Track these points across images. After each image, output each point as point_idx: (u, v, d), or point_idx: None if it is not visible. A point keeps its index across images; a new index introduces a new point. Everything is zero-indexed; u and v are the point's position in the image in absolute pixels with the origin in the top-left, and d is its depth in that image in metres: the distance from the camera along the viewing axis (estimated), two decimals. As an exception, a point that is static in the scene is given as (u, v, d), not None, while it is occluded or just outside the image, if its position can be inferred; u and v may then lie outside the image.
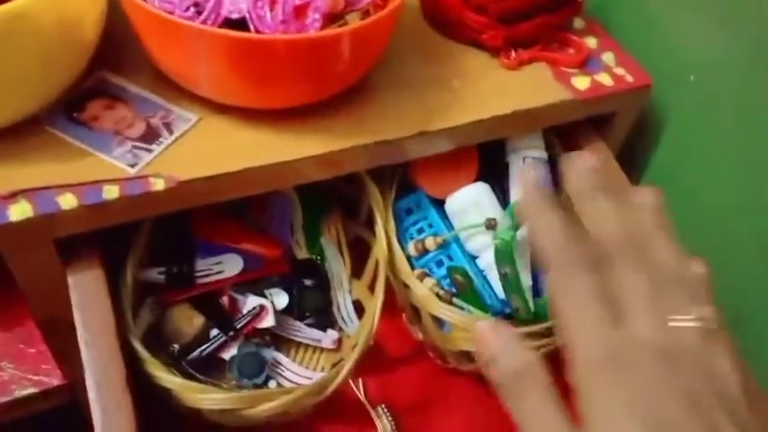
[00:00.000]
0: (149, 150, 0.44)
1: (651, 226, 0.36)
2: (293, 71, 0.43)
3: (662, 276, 0.33)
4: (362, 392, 0.60)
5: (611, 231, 0.34)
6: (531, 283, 0.53)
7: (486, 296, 0.54)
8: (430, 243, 0.55)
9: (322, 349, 0.59)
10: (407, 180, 0.57)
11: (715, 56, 0.54)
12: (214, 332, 0.54)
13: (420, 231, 0.57)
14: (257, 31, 0.42)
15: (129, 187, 0.42)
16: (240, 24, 0.42)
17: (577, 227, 0.35)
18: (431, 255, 0.56)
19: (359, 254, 0.60)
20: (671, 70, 0.57)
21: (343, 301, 0.59)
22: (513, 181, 0.57)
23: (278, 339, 0.58)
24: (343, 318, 0.59)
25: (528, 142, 0.57)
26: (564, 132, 0.58)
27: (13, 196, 0.40)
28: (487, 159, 0.57)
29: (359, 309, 0.59)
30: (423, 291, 0.53)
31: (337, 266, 0.60)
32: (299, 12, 0.42)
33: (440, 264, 0.56)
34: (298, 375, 0.56)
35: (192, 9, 0.42)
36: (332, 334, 0.58)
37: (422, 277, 0.54)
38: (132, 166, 0.43)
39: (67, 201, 0.40)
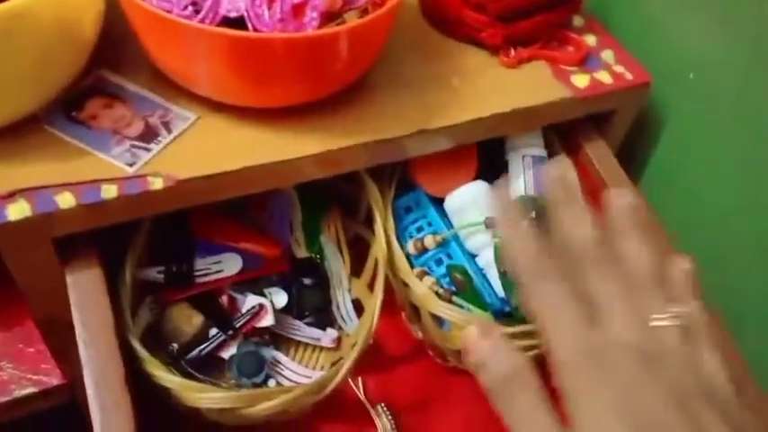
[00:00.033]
0: (148, 149, 0.44)
1: (626, 227, 0.36)
2: (291, 70, 0.43)
3: (636, 277, 0.34)
4: (362, 391, 0.60)
5: (584, 236, 0.34)
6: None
7: (486, 295, 0.54)
8: (429, 241, 0.55)
9: (321, 348, 0.59)
10: (407, 178, 0.57)
11: (714, 54, 0.54)
12: (213, 331, 0.54)
13: (419, 230, 0.57)
14: (255, 30, 0.42)
15: (128, 186, 0.41)
16: (238, 23, 0.42)
17: (550, 238, 0.36)
18: (430, 253, 0.56)
19: (358, 252, 0.60)
20: (670, 68, 0.57)
21: (342, 300, 0.59)
22: (512, 179, 0.57)
23: (277, 338, 0.58)
24: (342, 316, 0.59)
25: (527, 140, 0.57)
26: (563, 130, 0.58)
27: (12, 195, 0.40)
28: (487, 158, 0.57)
29: (358, 307, 0.59)
30: (422, 289, 0.53)
31: (337, 265, 0.60)
32: (297, 10, 0.42)
33: (439, 262, 0.56)
34: (297, 374, 0.56)
35: (190, 8, 0.42)
36: (331, 333, 0.58)
37: (421, 276, 0.54)
38: (131, 165, 0.43)
39: (66, 200, 0.40)
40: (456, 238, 0.56)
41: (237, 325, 0.54)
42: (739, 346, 0.44)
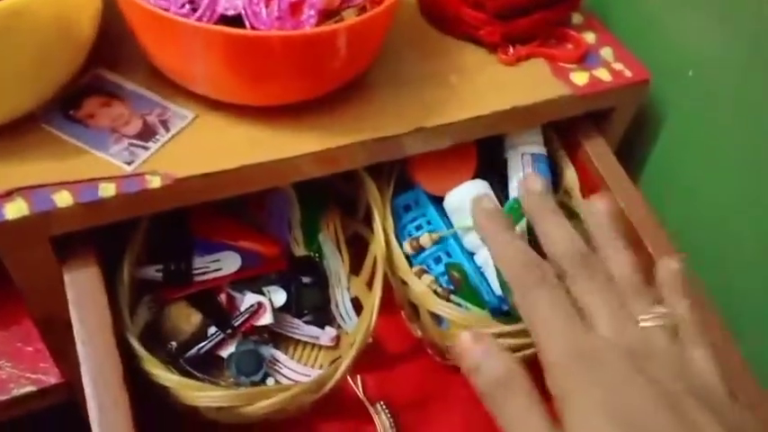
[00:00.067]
0: (146, 148, 0.44)
1: (602, 236, 0.37)
2: (289, 68, 0.43)
3: (623, 280, 0.35)
4: (361, 389, 0.60)
5: (565, 248, 0.35)
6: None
7: (484, 293, 0.54)
8: (425, 240, 0.55)
9: (320, 346, 0.59)
10: (405, 177, 0.57)
11: (714, 51, 0.54)
12: (212, 330, 0.54)
13: (418, 228, 0.57)
14: (253, 28, 0.42)
15: (126, 185, 0.41)
16: (236, 21, 0.42)
17: (536, 246, 0.37)
18: (428, 251, 0.56)
19: (357, 251, 0.60)
20: (670, 65, 0.57)
21: (341, 299, 0.59)
22: (512, 177, 0.57)
23: (276, 337, 0.58)
24: (341, 315, 0.59)
25: (526, 138, 0.57)
26: (562, 128, 0.58)
27: (9, 194, 0.40)
28: (486, 155, 0.57)
29: (357, 306, 0.59)
30: (420, 287, 0.53)
31: (335, 264, 0.60)
32: (295, 8, 0.42)
33: (438, 260, 0.56)
34: (296, 373, 0.56)
35: (188, 6, 0.42)
36: (330, 331, 0.58)
37: (420, 274, 0.54)
38: (129, 163, 0.43)
39: (63, 199, 0.40)
40: (455, 236, 0.56)
41: (236, 323, 0.54)
42: (739, 346, 0.44)
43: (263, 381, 0.54)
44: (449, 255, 0.56)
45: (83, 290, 0.43)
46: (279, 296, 0.57)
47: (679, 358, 0.31)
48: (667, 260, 0.37)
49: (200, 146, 0.44)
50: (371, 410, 0.59)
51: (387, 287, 0.53)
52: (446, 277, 0.55)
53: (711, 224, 0.57)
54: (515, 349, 0.48)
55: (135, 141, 0.44)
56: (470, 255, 0.55)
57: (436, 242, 0.55)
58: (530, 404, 0.30)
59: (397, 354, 0.62)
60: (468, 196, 0.55)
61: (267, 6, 0.41)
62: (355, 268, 0.60)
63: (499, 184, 0.58)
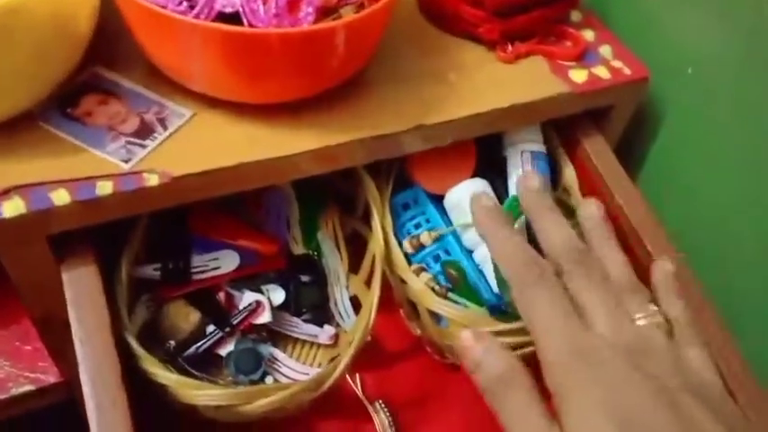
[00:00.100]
0: (143, 146, 0.43)
1: (598, 237, 0.38)
2: (287, 65, 0.43)
3: (619, 280, 0.35)
4: (360, 388, 0.60)
5: (563, 245, 0.36)
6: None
7: (483, 290, 0.54)
8: (425, 238, 0.55)
9: (319, 345, 0.59)
10: (404, 175, 0.57)
11: (713, 49, 0.54)
12: (210, 328, 0.53)
13: (417, 227, 0.57)
14: (250, 25, 0.41)
15: (123, 183, 0.41)
16: (233, 18, 0.41)
17: (534, 243, 0.37)
18: (428, 250, 0.56)
19: (356, 249, 0.60)
20: (669, 63, 0.57)
21: (340, 297, 0.59)
22: (511, 174, 0.57)
23: (275, 335, 0.58)
24: (340, 313, 0.59)
25: (526, 136, 0.57)
26: (562, 126, 0.58)
27: (6, 192, 0.40)
28: (485, 153, 0.57)
29: (356, 304, 0.59)
30: (419, 285, 0.52)
31: (334, 262, 0.60)
32: (293, 5, 0.42)
33: (437, 259, 0.56)
34: (295, 371, 0.56)
35: (185, 3, 0.41)
36: (329, 329, 0.58)
37: (418, 272, 0.54)
38: (126, 161, 0.42)
39: (61, 197, 0.40)
40: (454, 234, 0.56)
41: (235, 322, 0.54)
42: (739, 346, 0.44)
43: (261, 379, 0.54)
44: (448, 253, 0.56)
45: (81, 289, 0.43)
46: (277, 294, 0.56)
47: (675, 355, 0.31)
48: (662, 262, 0.37)
49: (197, 144, 0.44)
50: (370, 409, 0.59)
51: (386, 285, 0.53)
52: (444, 275, 0.55)
53: (711, 222, 0.57)
54: (514, 347, 0.48)
55: (132, 139, 0.44)
56: (469, 253, 0.55)
57: (436, 240, 0.55)
58: (530, 400, 0.30)
59: (396, 352, 0.62)
60: (468, 194, 0.55)
61: (265, 3, 0.41)
62: (354, 266, 0.60)
63: (499, 182, 0.57)
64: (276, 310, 0.56)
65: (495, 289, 0.53)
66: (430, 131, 0.49)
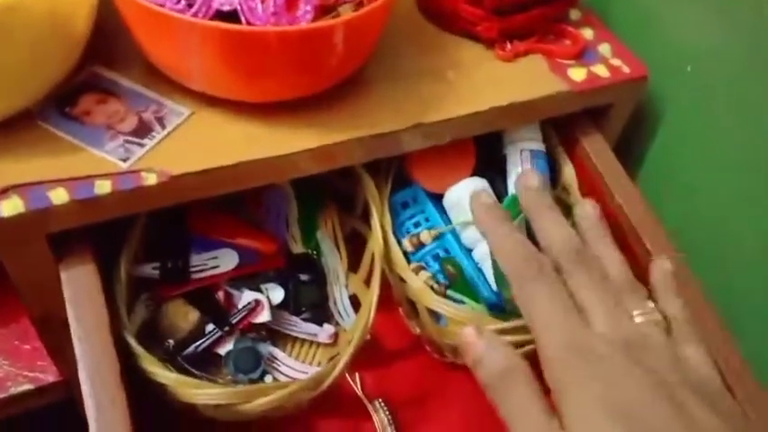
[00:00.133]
0: (141, 145, 0.43)
1: (594, 237, 0.38)
2: (286, 64, 0.43)
3: (618, 278, 0.36)
4: (359, 387, 0.60)
5: (562, 244, 0.37)
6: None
7: (482, 288, 0.54)
8: (425, 236, 0.55)
9: (318, 344, 0.58)
10: (403, 174, 0.57)
11: (712, 46, 0.54)
12: (209, 327, 0.53)
13: (416, 225, 0.57)
14: (249, 24, 0.41)
15: (122, 182, 0.41)
16: (231, 17, 0.41)
17: (533, 242, 0.38)
18: (427, 248, 0.55)
19: (355, 248, 0.60)
20: (668, 61, 0.57)
21: (339, 296, 0.59)
22: (511, 173, 0.57)
23: (274, 334, 0.58)
24: (339, 312, 0.59)
25: (525, 134, 0.57)
26: (561, 124, 0.58)
27: (5, 192, 0.40)
28: (484, 152, 0.57)
29: (355, 303, 0.59)
30: (418, 284, 0.52)
31: (333, 261, 0.60)
32: (291, 4, 0.42)
33: (436, 257, 0.56)
34: (294, 370, 0.56)
35: (183, 1, 0.41)
36: (328, 328, 0.58)
37: (417, 271, 0.54)
38: (124, 160, 0.42)
39: (59, 196, 0.40)
40: (453, 232, 0.56)
41: (234, 321, 0.54)
42: (739, 346, 0.44)
43: (260, 378, 0.54)
44: (447, 251, 0.56)
45: (80, 288, 0.43)
46: (277, 293, 0.56)
47: (673, 352, 0.32)
48: (660, 261, 0.38)
49: (196, 142, 0.44)
50: (370, 407, 0.59)
51: (385, 284, 0.53)
52: (443, 274, 0.55)
53: (710, 221, 0.57)
54: (513, 346, 0.48)
55: (131, 138, 0.44)
56: (468, 251, 0.55)
57: (435, 238, 0.55)
58: (531, 395, 0.31)
59: (396, 351, 0.62)
60: (467, 193, 0.55)
61: (263, 2, 0.41)
62: (353, 265, 0.60)
63: (498, 181, 0.57)
64: (275, 308, 0.56)
65: (494, 287, 0.53)
66: (429, 130, 0.49)
